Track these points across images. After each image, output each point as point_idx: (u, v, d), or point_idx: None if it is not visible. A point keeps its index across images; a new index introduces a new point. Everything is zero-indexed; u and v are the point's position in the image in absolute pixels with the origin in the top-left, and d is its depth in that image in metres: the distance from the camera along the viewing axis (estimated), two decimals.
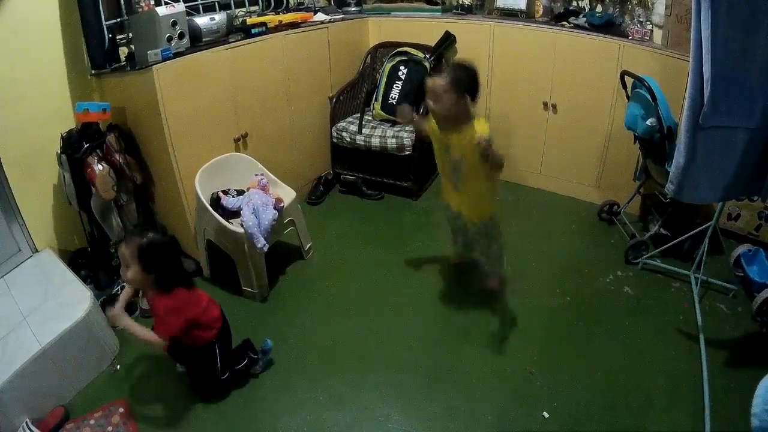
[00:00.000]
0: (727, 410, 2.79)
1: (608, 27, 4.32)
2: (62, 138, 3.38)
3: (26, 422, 2.70)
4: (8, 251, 3.43)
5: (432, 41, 5.01)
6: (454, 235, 3.84)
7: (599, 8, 4.62)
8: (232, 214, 3.62)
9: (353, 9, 5.47)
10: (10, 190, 3.33)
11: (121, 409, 2.85)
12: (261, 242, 3.44)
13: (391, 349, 3.30)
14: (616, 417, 2.82)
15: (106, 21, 3.45)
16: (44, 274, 3.38)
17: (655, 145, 3.54)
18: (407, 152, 4.70)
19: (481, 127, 2.95)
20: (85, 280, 3.50)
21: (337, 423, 2.83)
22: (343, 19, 5.06)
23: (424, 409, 2.90)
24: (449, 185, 3.38)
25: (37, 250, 3.55)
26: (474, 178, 3.18)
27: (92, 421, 2.78)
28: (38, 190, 3.51)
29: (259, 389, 3.04)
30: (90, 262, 3.74)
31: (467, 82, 3.00)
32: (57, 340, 2.85)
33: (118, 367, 3.19)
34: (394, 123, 4.91)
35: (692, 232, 3.67)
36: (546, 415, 2.82)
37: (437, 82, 2.98)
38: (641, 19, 4.19)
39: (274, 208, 3.59)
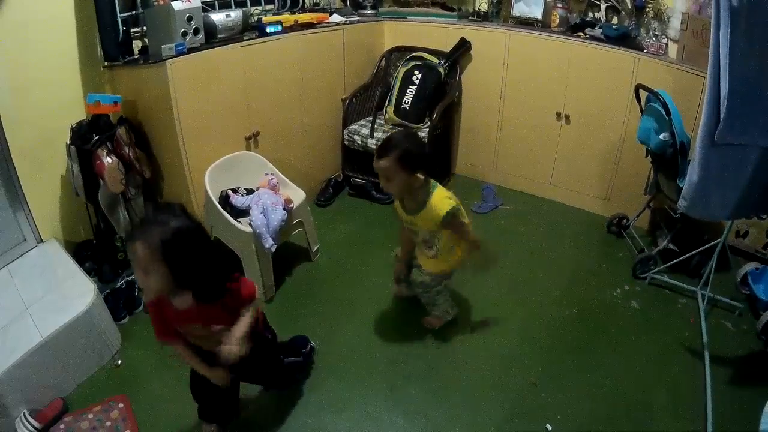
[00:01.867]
0: (729, 429, 2.77)
1: (624, 39, 4.29)
2: (72, 129, 3.38)
3: (24, 413, 2.70)
4: (13, 240, 3.42)
5: (447, 47, 5.00)
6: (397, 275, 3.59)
7: (615, 20, 4.61)
8: (241, 213, 3.60)
9: (369, 12, 5.46)
10: (18, 179, 3.33)
11: (121, 405, 2.84)
12: (269, 242, 3.43)
13: (396, 355, 3.28)
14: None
15: (120, 13, 3.44)
16: (48, 265, 3.38)
17: (667, 159, 3.52)
18: None
19: (440, 204, 2.85)
20: (89, 272, 3.50)
21: (339, 427, 2.81)
22: (358, 22, 5.06)
23: (427, 416, 2.88)
24: (421, 252, 3.24)
25: (42, 241, 3.55)
26: (453, 244, 3.09)
27: (91, 415, 2.77)
28: (46, 180, 3.51)
29: (260, 391, 3.03)
30: (95, 254, 3.73)
31: (413, 156, 2.77)
32: (58, 332, 2.84)
33: (120, 361, 3.18)
34: (406, 127, 4.90)
35: (701, 249, 3.65)
36: (549, 427, 2.79)
37: (380, 164, 2.78)
38: (657, 33, 4.18)
39: (284, 208, 3.57)
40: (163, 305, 2.15)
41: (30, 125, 3.30)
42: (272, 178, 3.79)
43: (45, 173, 3.48)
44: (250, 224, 3.46)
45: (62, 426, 2.72)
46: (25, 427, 2.65)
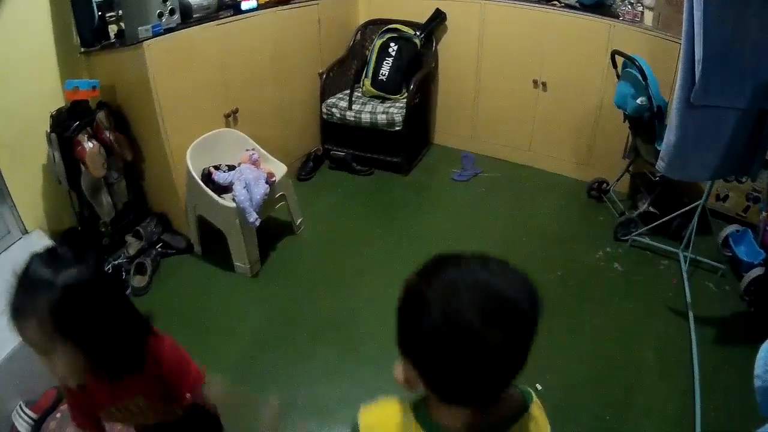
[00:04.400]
0: (716, 385, 2.86)
1: (599, 7, 4.33)
2: (52, 117, 3.34)
3: (20, 405, 2.71)
4: None
5: (422, 18, 5.00)
6: None
7: None
8: (223, 189, 3.62)
9: None
10: (0, 172, 3.30)
11: None
12: (253, 216, 3.45)
13: (383, 323, 3.30)
14: (607, 390, 2.88)
15: None
16: None
17: (644, 124, 3.56)
18: (397, 128, 4.72)
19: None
20: None
21: (331, 396, 2.86)
22: None
23: None
24: None
25: (27, 232, 3.51)
26: None
27: None
28: (27, 170, 3.47)
29: (252, 363, 3.06)
30: (80, 241, 3.72)
31: None
32: None
33: None
34: (384, 99, 4.93)
35: (681, 211, 3.70)
36: (539, 387, 2.85)
37: None
38: (632, 1, 4.20)
39: (266, 182, 3.58)
40: (88, 384, 1.59)
41: (9, 116, 3.25)
42: (253, 153, 3.79)
43: (26, 164, 3.44)
44: (233, 200, 3.48)
45: (58, 415, 2.73)
46: (22, 419, 2.67)
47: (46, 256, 1.37)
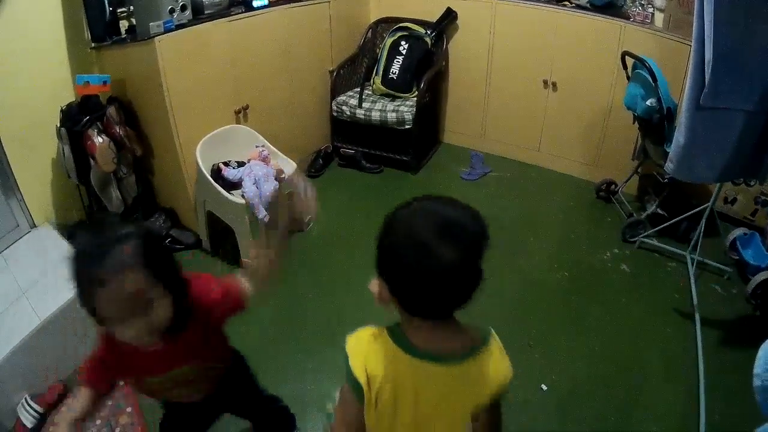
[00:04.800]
0: (721, 387, 2.85)
1: (609, 8, 4.32)
2: (62, 111, 3.37)
3: (26, 398, 2.72)
4: (7, 227, 3.42)
5: (433, 17, 4.99)
6: None
7: None
8: (233, 185, 3.63)
9: None
10: (9, 164, 3.31)
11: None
12: (262, 213, 3.45)
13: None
14: (612, 391, 2.88)
15: None
16: (43, 249, 3.38)
17: (654, 125, 3.56)
18: (407, 126, 4.72)
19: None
20: None
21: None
22: None
23: None
24: None
25: (35, 225, 3.54)
26: None
27: None
28: (37, 164, 3.50)
29: (260, 360, 3.05)
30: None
31: None
32: (56, 315, 2.85)
33: None
34: (394, 97, 4.94)
35: (689, 213, 3.69)
36: (544, 387, 2.87)
37: None
38: (643, 2, 4.19)
39: (275, 179, 3.59)
40: (129, 352, 1.55)
41: (19, 110, 3.28)
42: (263, 150, 3.80)
43: (36, 157, 3.47)
44: (242, 196, 3.48)
45: (64, 408, 2.74)
46: (28, 412, 2.68)
47: (100, 227, 1.39)
